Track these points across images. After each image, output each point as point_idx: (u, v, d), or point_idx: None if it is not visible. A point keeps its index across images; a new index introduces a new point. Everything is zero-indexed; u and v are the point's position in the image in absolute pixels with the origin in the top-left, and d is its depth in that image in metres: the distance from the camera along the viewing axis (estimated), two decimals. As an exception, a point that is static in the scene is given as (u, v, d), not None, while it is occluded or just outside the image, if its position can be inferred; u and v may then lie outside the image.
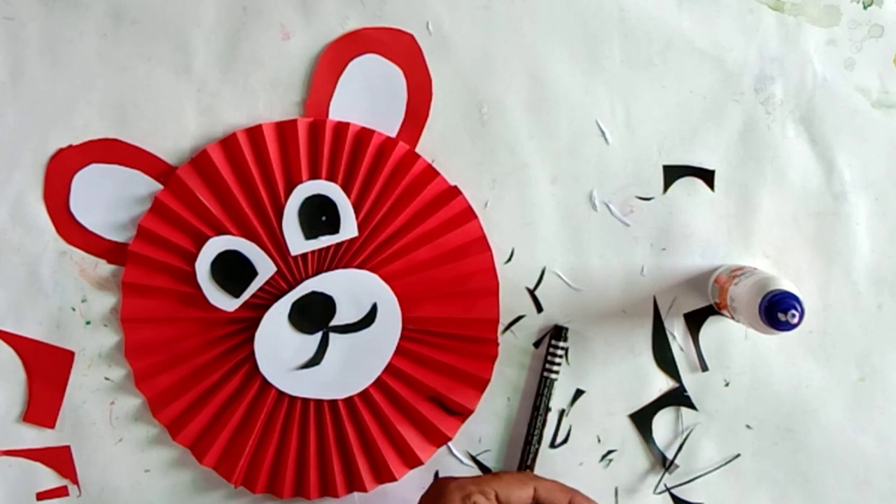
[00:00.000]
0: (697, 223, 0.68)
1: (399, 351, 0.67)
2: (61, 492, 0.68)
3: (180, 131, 0.67)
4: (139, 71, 0.67)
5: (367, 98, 0.67)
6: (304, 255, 0.67)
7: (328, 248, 0.67)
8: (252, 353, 0.67)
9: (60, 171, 0.67)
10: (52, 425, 0.68)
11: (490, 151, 0.68)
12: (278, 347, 0.67)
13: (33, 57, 0.67)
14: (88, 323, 0.68)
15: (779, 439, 0.69)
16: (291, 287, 0.67)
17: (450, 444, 0.69)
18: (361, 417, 0.67)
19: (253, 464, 0.68)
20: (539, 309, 0.68)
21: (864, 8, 0.67)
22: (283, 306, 0.66)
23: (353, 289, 0.67)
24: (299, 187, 0.66)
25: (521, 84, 0.68)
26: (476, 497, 0.58)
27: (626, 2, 0.67)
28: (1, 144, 0.67)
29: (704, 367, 0.68)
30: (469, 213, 0.68)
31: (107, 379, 0.68)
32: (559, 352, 0.67)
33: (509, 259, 0.68)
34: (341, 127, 0.67)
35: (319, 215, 0.66)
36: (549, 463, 0.68)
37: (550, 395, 0.68)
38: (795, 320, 0.57)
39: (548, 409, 0.68)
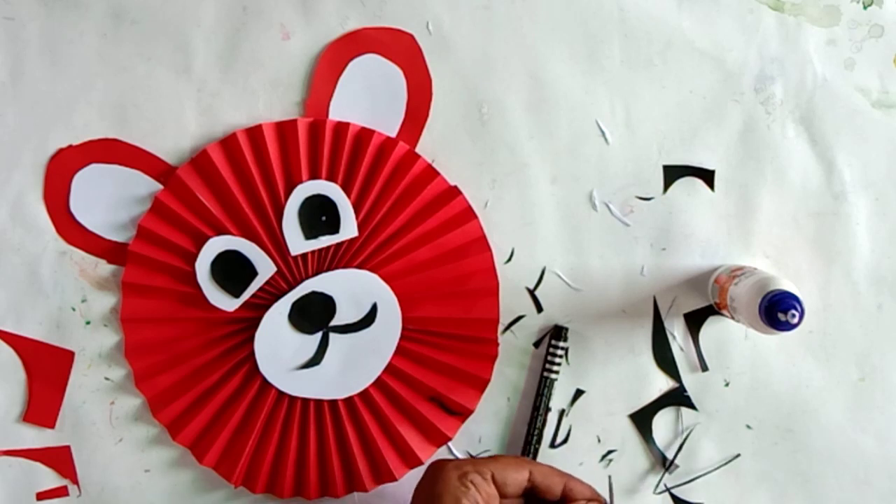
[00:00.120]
0: (697, 223, 0.68)
1: (399, 351, 0.67)
2: (61, 492, 0.68)
3: (180, 131, 0.67)
4: (139, 71, 0.67)
5: (367, 98, 0.67)
6: (304, 255, 0.67)
7: (328, 248, 0.67)
8: (252, 353, 0.67)
9: (60, 171, 0.67)
10: (52, 425, 0.68)
11: (490, 151, 0.68)
12: (278, 347, 0.67)
13: (33, 57, 0.67)
14: (88, 323, 0.68)
15: (779, 439, 0.69)
16: (291, 287, 0.67)
17: (450, 444, 0.69)
18: (361, 417, 0.67)
19: (253, 464, 0.68)
20: (539, 309, 0.68)
21: (864, 8, 0.67)
22: (283, 306, 0.66)
23: (353, 289, 0.67)
24: (299, 187, 0.66)
25: (521, 84, 0.68)
26: (472, 476, 0.58)
27: (626, 2, 0.67)
28: (1, 144, 0.67)
29: (704, 367, 0.68)
30: (469, 213, 0.68)
31: (107, 379, 0.68)
32: (559, 352, 0.67)
33: (509, 259, 0.68)
34: (341, 127, 0.67)
35: (319, 215, 0.66)
36: (548, 463, 0.68)
37: (550, 395, 0.68)
38: (795, 320, 0.57)
39: (548, 409, 0.68)
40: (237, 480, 0.68)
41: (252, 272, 0.66)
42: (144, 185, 0.67)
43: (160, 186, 0.67)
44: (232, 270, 0.66)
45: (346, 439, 0.67)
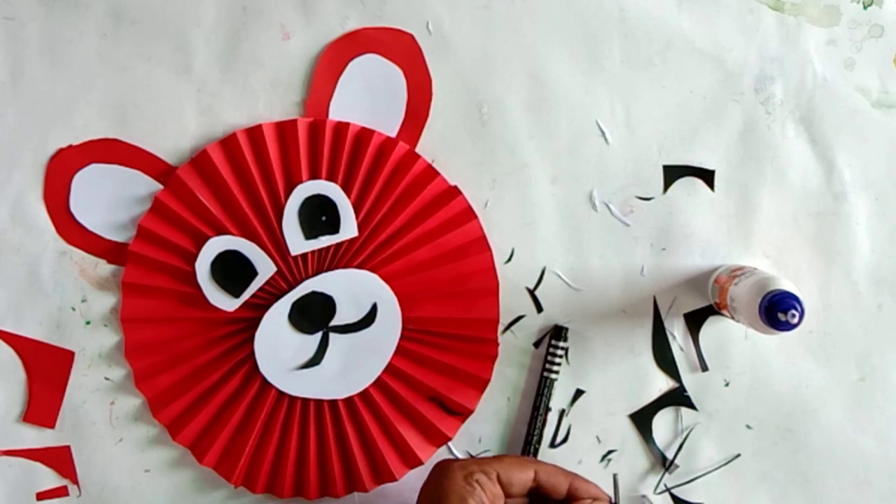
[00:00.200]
0: (697, 223, 0.68)
1: (399, 351, 0.67)
2: (61, 492, 0.68)
3: (180, 131, 0.67)
4: (139, 71, 0.67)
5: (367, 98, 0.67)
6: (304, 255, 0.67)
7: (328, 248, 0.67)
8: (252, 353, 0.67)
9: (60, 171, 0.67)
10: (52, 425, 0.68)
11: (490, 151, 0.68)
12: (278, 347, 0.67)
13: (33, 57, 0.67)
14: (88, 323, 0.68)
15: (779, 439, 0.69)
16: (291, 287, 0.67)
17: (450, 444, 0.69)
18: (361, 417, 0.67)
19: (253, 464, 0.68)
20: (539, 309, 0.68)
21: (864, 8, 0.67)
22: (283, 306, 0.66)
23: (353, 289, 0.67)
24: (299, 187, 0.66)
25: (521, 84, 0.68)
26: (478, 476, 0.59)
27: (626, 2, 0.67)
28: (1, 144, 0.67)
29: (704, 367, 0.68)
30: (469, 213, 0.68)
31: (107, 379, 0.68)
32: (559, 352, 0.67)
33: (509, 259, 0.68)
34: (341, 127, 0.67)
35: (319, 215, 0.66)
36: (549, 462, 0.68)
37: (550, 395, 0.68)
38: (795, 320, 0.57)
39: (548, 409, 0.68)
40: (237, 480, 0.68)
41: (252, 272, 0.66)
42: (144, 185, 0.67)
43: (160, 186, 0.67)
44: (232, 270, 0.66)
45: (346, 439, 0.67)
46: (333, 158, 0.67)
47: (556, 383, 0.68)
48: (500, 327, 0.68)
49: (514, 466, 0.60)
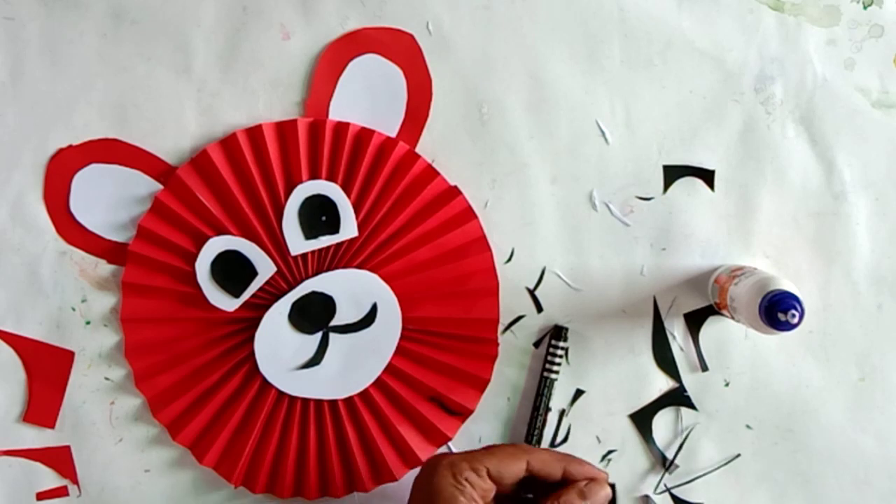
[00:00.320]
0: (697, 223, 0.68)
1: (399, 351, 0.67)
2: (61, 492, 0.68)
3: (180, 131, 0.67)
4: (139, 71, 0.67)
5: (367, 98, 0.67)
6: (304, 255, 0.67)
7: (328, 248, 0.67)
8: (252, 353, 0.67)
9: (60, 171, 0.67)
10: (52, 425, 0.68)
11: (490, 151, 0.68)
12: (278, 347, 0.67)
13: (33, 57, 0.67)
14: (88, 323, 0.68)
15: (779, 439, 0.69)
16: (291, 287, 0.67)
17: (450, 444, 0.69)
18: (361, 417, 0.67)
19: (253, 464, 0.68)
20: (539, 309, 0.68)
21: (864, 8, 0.67)
22: (283, 306, 0.66)
23: (353, 289, 0.67)
24: (299, 187, 0.66)
25: (521, 84, 0.68)
26: (467, 474, 0.58)
27: (626, 2, 0.67)
28: (1, 144, 0.67)
29: (704, 367, 0.68)
30: (469, 213, 0.68)
31: (107, 379, 0.68)
32: (559, 352, 0.67)
33: (509, 259, 0.68)
34: (341, 127, 0.67)
35: (319, 215, 0.66)
36: (549, 463, 0.68)
37: (550, 395, 0.68)
38: (795, 320, 0.57)
39: (548, 409, 0.68)
40: (237, 480, 0.68)
41: (252, 272, 0.66)
42: (144, 185, 0.67)
43: (160, 186, 0.67)
44: (232, 270, 0.66)
45: (346, 439, 0.67)
46: (333, 158, 0.67)
47: (556, 383, 0.68)
48: (500, 327, 0.68)
49: (506, 460, 0.59)
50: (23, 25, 0.67)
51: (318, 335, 0.67)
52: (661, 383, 0.69)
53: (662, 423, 0.69)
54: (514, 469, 0.59)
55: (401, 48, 0.67)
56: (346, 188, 0.67)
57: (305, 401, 0.67)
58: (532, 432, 0.67)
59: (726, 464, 0.69)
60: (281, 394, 0.67)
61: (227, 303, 0.67)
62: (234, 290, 0.66)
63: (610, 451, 0.69)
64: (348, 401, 0.68)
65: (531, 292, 0.68)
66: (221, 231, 0.66)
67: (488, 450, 0.60)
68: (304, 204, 0.66)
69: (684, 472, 0.69)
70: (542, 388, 0.67)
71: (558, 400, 0.68)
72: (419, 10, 0.67)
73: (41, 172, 0.67)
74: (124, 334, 0.67)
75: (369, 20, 0.67)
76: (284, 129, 0.67)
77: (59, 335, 0.68)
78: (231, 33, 0.67)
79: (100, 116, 0.67)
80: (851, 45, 0.68)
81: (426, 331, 0.67)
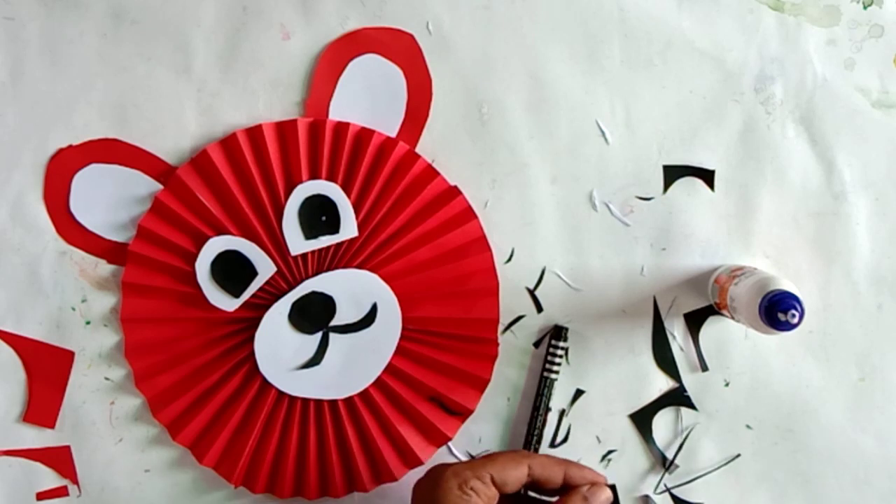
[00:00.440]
0: (697, 223, 0.68)
1: (399, 351, 0.67)
2: (61, 492, 0.68)
3: (180, 131, 0.67)
4: (139, 71, 0.67)
5: (367, 98, 0.67)
6: (304, 255, 0.67)
7: (328, 248, 0.67)
8: (252, 353, 0.67)
9: (60, 171, 0.67)
10: (52, 425, 0.68)
11: (490, 151, 0.68)
12: (278, 347, 0.67)
13: (33, 57, 0.67)
14: (88, 323, 0.68)
15: (779, 439, 0.69)
16: (291, 287, 0.67)
17: (450, 444, 0.69)
18: (361, 417, 0.67)
19: (253, 464, 0.68)
20: (539, 309, 0.68)
21: (864, 8, 0.67)
22: (283, 306, 0.66)
23: (353, 289, 0.67)
24: (299, 187, 0.66)
25: (521, 84, 0.68)
26: (472, 482, 0.58)
27: (626, 2, 0.67)
28: (1, 144, 0.67)
29: (704, 367, 0.68)
30: (469, 213, 0.68)
31: (107, 379, 0.68)
32: (559, 352, 0.67)
33: (509, 259, 0.68)
34: (341, 127, 0.67)
35: (319, 215, 0.66)
36: (549, 463, 0.68)
37: (550, 395, 0.68)
38: (795, 320, 0.57)
39: (548, 409, 0.68)
40: (237, 480, 0.68)
41: (252, 272, 0.66)
42: (144, 185, 0.67)
43: (160, 186, 0.67)
44: (232, 270, 0.66)
45: (346, 439, 0.67)
46: (333, 158, 0.67)
47: (556, 383, 0.68)
48: (500, 327, 0.68)
49: (508, 465, 0.60)
50: (23, 25, 0.67)
51: (318, 335, 0.67)
52: (661, 383, 0.69)
53: (662, 423, 0.69)
54: (516, 474, 0.60)
55: (401, 48, 0.67)
56: (346, 188, 0.67)
57: (305, 401, 0.67)
58: (532, 432, 0.67)
59: (726, 464, 0.69)
60: (281, 394, 0.67)
61: (227, 303, 0.67)
62: (234, 290, 0.66)
63: (610, 451, 0.69)
64: (348, 401, 0.68)
65: (531, 292, 0.68)
66: (221, 231, 0.66)
67: (489, 457, 0.61)
68: (304, 204, 0.66)
69: (684, 472, 0.69)
70: (542, 388, 0.67)
71: (558, 400, 0.69)
72: (419, 10, 0.67)
73: (41, 172, 0.67)
74: (124, 334, 0.67)
75: (369, 20, 0.67)
76: (284, 129, 0.67)
77: (59, 335, 0.68)
78: (231, 33, 0.67)
79: (100, 116, 0.67)
80: (851, 45, 0.68)
81: (426, 331, 0.67)
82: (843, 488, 0.69)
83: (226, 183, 0.66)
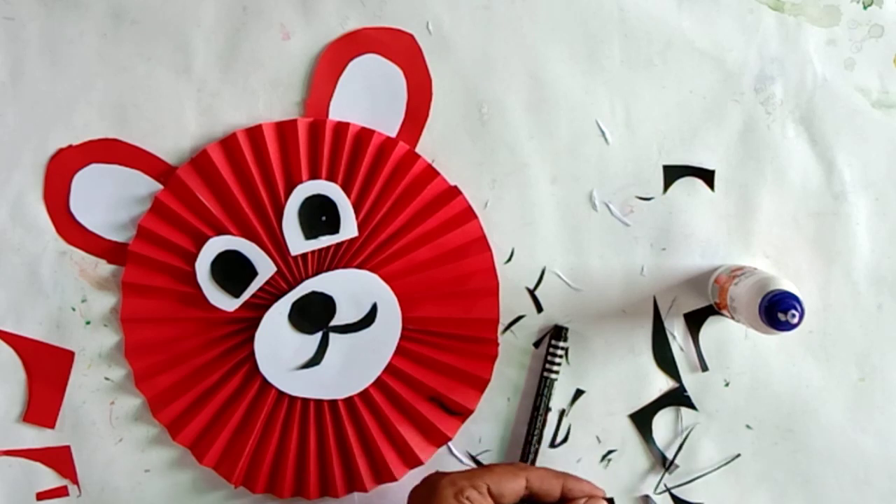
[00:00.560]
0: (697, 223, 0.68)
1: (399, 351, 0.67)
2: (61, 492, 0.68)
3: (180, 131, 0.67)
4: (139, 71, 0.67)
5: (367, 98, 0.67)
6: (304, 255, 0.67)
7: (328, 248, 0.67)
8: (252, 353, 0.67)
9: (60, 171, 0.67)
10: (52, 425, 0.68)
11: (490, 151, 0.68)
12: (278, 347, 0.67)
13: (33, 57, 0.67)
14: (88, 323, 0.68)
15: (779, 439, 0.69)
16: (291, 287, 0.67)
17: (450, 444, 0.69)
18: (361, 417, 0.67)
19: (253, 464, 0.68)
20: (539, 309, 0.68)
21: (864, 8, 0.67)
22: (283, 306, 0.66)
23: (353, 289, 0.67)
24: (299, 187, 0.66)
25: (521, 84, 0.68)
26: (469, 492, 0.58)
27: (626, 2, 0.67)
28: (1, 144, 0.67)
29: (704, 367, 0.68)
30: (469, 213, 0.68)
31: (107, 379, 0.68)
32: (559, 352, 0.67)
33: (509, 259, 0.68)
34: (341, 127, 0.67)
35: (319, 215, 0.66)
36: (548, 463, 0.68)
37: (550, 395, 0.68)
38: (795, 320, 0.57)
39: (548, 409, 0.68)
40: (237, 480, 0.68)
41: (252, 272, 0.66)
42: (144, 185, 0.67)
43: (160, 186, 0.67)
44: (232, 270, 0.66)
45: (346, 439, 0.67)
46: (333, 158, 0.67)
47: (556, 383, 0.68)
48: (500, 327, 0.68)
49: (505, 477, 0.59)
50: (23, 25, 0.67)
51: (318, 335, 0.67)
52: (661, 383, 0.69)
53: (662, 423, 0.69)
54: (513, 486, 0.59)
55: (401, 48, 0.67)
56: (346, 188, 0.67)
57: (305, 401, 0.67)
58: (532, 432, 0.67)
59: (726, 464, 0.69)
60: (281, 394, 0.67)
61: (227, 303, 0.67)
62: (234, 290, 0.66)
63: (610, 451, 0.69)
64: (348, 401, 0.68)
65: (531, 292, 0.68)
66: (221, 231, 0.66)
67: (487, 468, 0.61)
68: (304, 204, 0.66)
69: (684, 472, 0.69)
70: (542, 388, 0.67)
71: (558, 400, 0.68)
72: (419, 10, 0.67)
73: (41, 172, 0.67)
74: (124, 334, 0.67)
75: (369, 20, 0.67)
76: (284, 129, 0.67)
77: (59, 335, 0.68)
78: (231, 33, 0.67)
79: (100, 116, 0.67)
80: (851, 45, 0.68)
81: (426, 331, 0.67)
82: (843, 488, 0.69)
83: (226, 183, 0.66)
